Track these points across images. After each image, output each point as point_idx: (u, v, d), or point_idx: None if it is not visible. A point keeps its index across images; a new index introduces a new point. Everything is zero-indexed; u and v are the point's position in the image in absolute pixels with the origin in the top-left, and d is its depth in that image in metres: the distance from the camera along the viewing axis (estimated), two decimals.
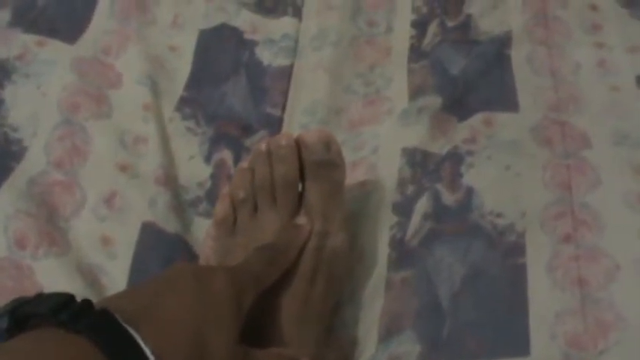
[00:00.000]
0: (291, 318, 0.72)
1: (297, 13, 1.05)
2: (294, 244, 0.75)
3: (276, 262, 0.72)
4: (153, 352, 0.53)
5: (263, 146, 0.78)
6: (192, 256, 0.83)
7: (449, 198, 0.81)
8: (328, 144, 0.77)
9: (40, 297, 0.56)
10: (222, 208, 0.79)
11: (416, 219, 0.81)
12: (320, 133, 0.78)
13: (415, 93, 0.94)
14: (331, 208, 0.77)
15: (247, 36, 1.02)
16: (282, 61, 0.99)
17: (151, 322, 0.56)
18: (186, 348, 0.57)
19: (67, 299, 0.55)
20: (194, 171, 0.90)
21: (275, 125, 0.93)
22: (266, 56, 1.00)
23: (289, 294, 0.73)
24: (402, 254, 0.79)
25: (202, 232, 0.83)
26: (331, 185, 0.78)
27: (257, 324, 0.70)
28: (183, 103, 0.95)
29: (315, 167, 0.77)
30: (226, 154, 0.90)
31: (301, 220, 0.77)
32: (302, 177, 0.78)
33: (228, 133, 0.92)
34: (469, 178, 0.82)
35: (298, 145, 0.77)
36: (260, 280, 0.69)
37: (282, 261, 0.73)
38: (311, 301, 0.74)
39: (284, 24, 1.03)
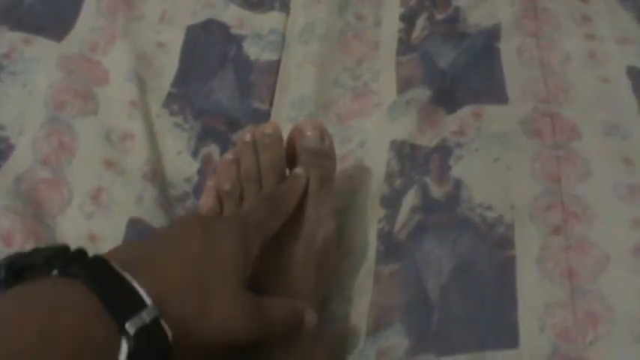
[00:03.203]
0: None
1: (285, 7, 1.05)
2: (293, 192, 0.76)
3: (277, 210, 0.73)
4: (150, 295, 0.53)
5: (248, 136, 0.79)
6: None
7: (437, 191, 0.81)
8: (323, 134, 0.79)
9: (37, 250, 0.57)
10: (207, 200, 0.79)
11: (404, 212, 0.80)
12: (315, 123, 0.79)
13: (403, 86, 0.93)
14: (322, 196, 0.78)
15: (234, 31, 1.02)
16: (269, 56, 0.99)
17: (151, 269, 0.57)
18: (189, 292, 0.57)
19: (62, 249, 0.56)
20: (181, 166, 0.89)
21: (262, 120, 0.93)
22: (253, 51, 0.99)
23: (284, 283, 0.73)
24: (391, 247, 0.79)
25: None
26: (323, 174, 0.78)
27: None
28: (170, 99, 0.94)
29: (309, 155, 0.78)
30: (213, 149, 0.90)
31: (298, 170, 0.77)
32: (289, 166, 0.79)
33: (215, 128, 0.92)
34: (457, 170, 0.81)
35: (294, 132, 0.79)
36: (264, 227, 0.69)
37: (283, 209, 0.74)
38: (301, 293, 0.74)
39: (271, 18, 1.03)
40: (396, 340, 0.71)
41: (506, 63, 0.92)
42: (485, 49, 0.94)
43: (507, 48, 0.94)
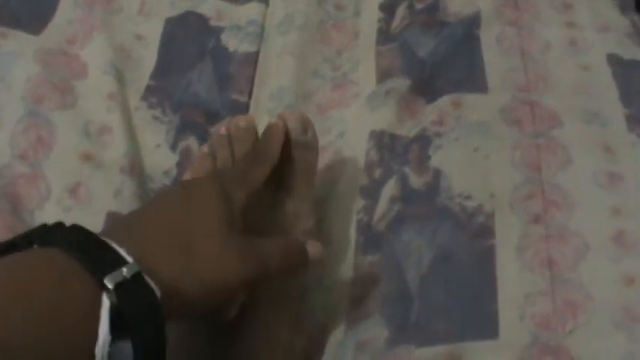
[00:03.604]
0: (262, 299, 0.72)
1: None
2: (273, 140, 0.74)
3: (257, 159, 0.72)
4: (129, 253, 0.52)
5: (223, 129, 0.78)
6: None
7: (417, 181, 0.80)
8: (306, 126, 0.77)
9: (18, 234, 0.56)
10: None
11: (383, 202, 0.80)
12: (299, 115, 0.78)
13: (383, 76, 0.93)
14: (303, 190, 0.77)
15: (213, 22, 1.01)
16: (248, 47, 0.98)
17: (130, 232, 0.57)
18: (170, 248, 0.57)
19: (40, 226, 0.56)
20: (160, 160, 0.89)
21: (241, 111, 0.92)
22: (232, 43, 0.99)
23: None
24: (370, 238, 0.78)
25: None
26: (304, 166, 0.77)
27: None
28: (149, 91, 0.94)
29: (291, 148, 0.76)
30: (192, 142, 0.90)
31: (273, 120, 0.77)
32: None
33: (194, 121, 0.91)
34: (437, 160, 0.81)
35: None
36: (246, 177, 0.69)
37: (263, 157, 0.73)
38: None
39: (250, 10, 1.02)
40: (376, 330, 0.71)
41: (486, 52, 0.92)
42: (465, 38, 0.94)
43: (487, 37, 0.93)
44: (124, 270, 0.51)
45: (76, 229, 0.55)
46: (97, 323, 0.49)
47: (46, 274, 0.50)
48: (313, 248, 0.68)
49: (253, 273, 0.61)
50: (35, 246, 0.54)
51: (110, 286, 0.50)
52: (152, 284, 0.52)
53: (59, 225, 0.56)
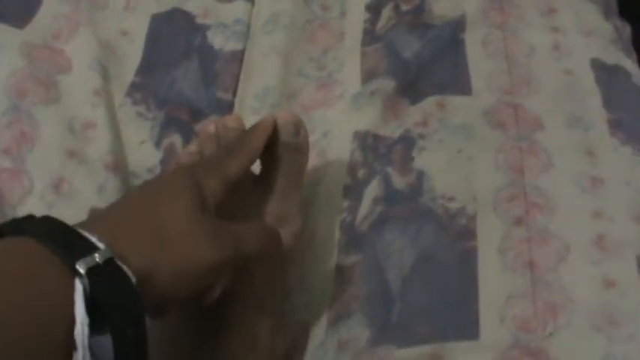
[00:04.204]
0: (246, 305, 0.72)
1: None
2: (257, 132, 0.72)
3: (237, 149, 0.71)
4: (101, 240, 0.52)
5: (211, 128, 0.77)
6: None
7: (400, 182, 0.80)
8: (298, 128, 0.76)
9: None
10: None
11: (366, 203, 0.80)
12: (292, 116, 0.76)
13: (368, 76, 0.93)
14: (290, 192, 0.76)
15: (199, 20, 1.00)
16: (234, 46, 0.98)
17: (101, 222, 0.57)
18: (141, 235, 0.56)
19: (12, 219, 0.55)
20: (144, 156, 0.88)
21: (226, 110, 0.92)
22: (218, 41, 0.98)
23: (243, 279, 0.72)
24: (352, 239, 0.78)
25: None
26: (293, 169, 0.76)
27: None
28: (134, 88, 0.93)
29: (281, 148, 0.75)
30: (176, 139, 0.89)
31: (267, 117, 0.74)
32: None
33: (178, 118, 0.91)
34: (420, 161, 0.81)
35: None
36: (222, 164, 0.68)
37: (244, 149, 0.71)
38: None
39: (236, 8, 1.02)
40: (357, 331, 0.71)
41: (471, 54, 0.92)
42: (450, 41, 0.94)
43: (472, 39, 0.94)
44: (96, 256, 0.51)
45: (47, 219, 0.55)
46: (71, 309, 0.49)
47: (16, 261, 0.50)
48: (285, 238, 0.69)
49: (226, 253, 0.60)
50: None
51: (82, 270, 0.50)
52: (125, 269, 0.52)
53: (30, 217, 0.55)
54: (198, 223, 0.60)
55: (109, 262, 0.52)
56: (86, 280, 0.50)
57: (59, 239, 0.52)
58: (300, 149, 0.76)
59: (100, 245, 0.52)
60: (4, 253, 0.51)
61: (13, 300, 0.48)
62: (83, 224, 0.55)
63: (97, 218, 0.60)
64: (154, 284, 0.55)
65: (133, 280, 0.52)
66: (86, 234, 0.53)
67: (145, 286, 0.53)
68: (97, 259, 0.51)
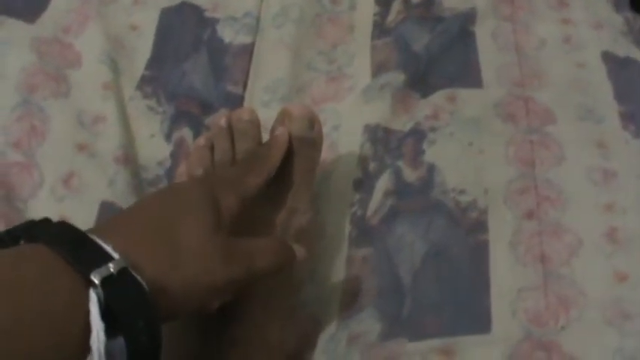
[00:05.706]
0: (255, 304, 0.71)
1: None
2: (274, 150, 0.73)
3: (255, 166, 0.71)
4: (115, 249, 0.52)
5: (223, 121, 0.77)
6: None
7: (410, 175, 0.80)
8: (312, 122, 0.76)
9: (5, 230, 0.56)
10: None
11: (377, 196, 0.80)
12: (306, 110, 0.76)
13: (378, 70, 0.92)
14: (302, 186, 0.76)
15: (208, 14, 1.00)
16: (243, 39, 0.98)
17: (116, 230, 0.57)
18: (155, 246, 0.56)
19: (28, 222, 0.56)
20: (154, 150, 0.89)
21: (235, 103, 0.92)
22: (227, 34, 0.98)
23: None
24: (363, 232, 0.78)
25: None
26: (307, 163, 0.76)
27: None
28: (144, 81, 0.93)
29: (295, 142, 0.75)
30: (186, 133, 0.89)
31: (280, 129, 0.74)
32: None
33: (188, 112, 0.91)
34: (431, 154, 0.81)
35: (282, 116, 0.75)
36: (241, 182, 0.68)
37: (261, 165, 0.71)
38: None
39: (246, 1, 1.01)
40: (368, 324, 0.71)
41: (481, 47, 0.92)
42: (460, 34, 0.94)
43: (482, 32, 0.93)
44: (111, 266, 0.51)
45: (62, 225, 0.55)
46: (85, 318, 0.49)
47: (32, 270, 0.50)
48: (298, 253, 0.68)
49: (237, 274, 0.61)
50: (22, 242, 0.54)
51: (97, 281, 0.50)
52: (139, 279, 0.52)
53: (46, 221, 0.56)
54: (212, 241, 0.59)
55: (123, 272, 0.52)
56: (100, 291, 0.50)
57: (74, 248, 0.52)
58: (315, 144, 0.76)
59: (115, 255, 0.52)
60: (19, 261, 0.51)
61: (27, 308, 0.48)
62: (97, 230, 0.55)
63: (111, 225, 0.59)
64: (165, 297, 0.55)
65: (146, 288, 0.52)
66: (101, 242, 0.53)
67: (155, 297, 0.53)
68: (112, 269, 0.51)
